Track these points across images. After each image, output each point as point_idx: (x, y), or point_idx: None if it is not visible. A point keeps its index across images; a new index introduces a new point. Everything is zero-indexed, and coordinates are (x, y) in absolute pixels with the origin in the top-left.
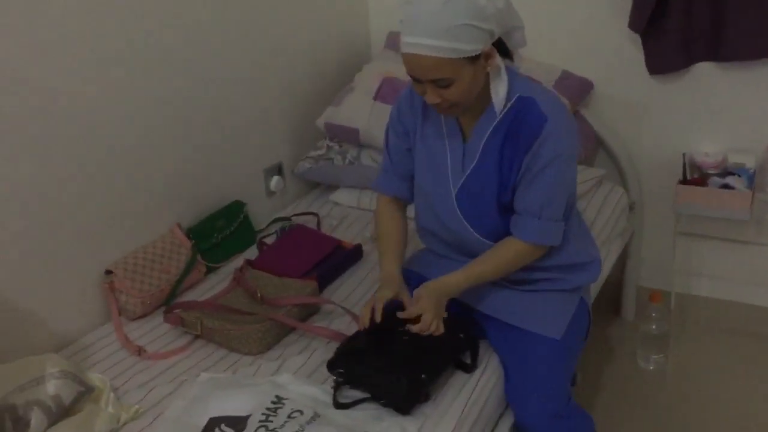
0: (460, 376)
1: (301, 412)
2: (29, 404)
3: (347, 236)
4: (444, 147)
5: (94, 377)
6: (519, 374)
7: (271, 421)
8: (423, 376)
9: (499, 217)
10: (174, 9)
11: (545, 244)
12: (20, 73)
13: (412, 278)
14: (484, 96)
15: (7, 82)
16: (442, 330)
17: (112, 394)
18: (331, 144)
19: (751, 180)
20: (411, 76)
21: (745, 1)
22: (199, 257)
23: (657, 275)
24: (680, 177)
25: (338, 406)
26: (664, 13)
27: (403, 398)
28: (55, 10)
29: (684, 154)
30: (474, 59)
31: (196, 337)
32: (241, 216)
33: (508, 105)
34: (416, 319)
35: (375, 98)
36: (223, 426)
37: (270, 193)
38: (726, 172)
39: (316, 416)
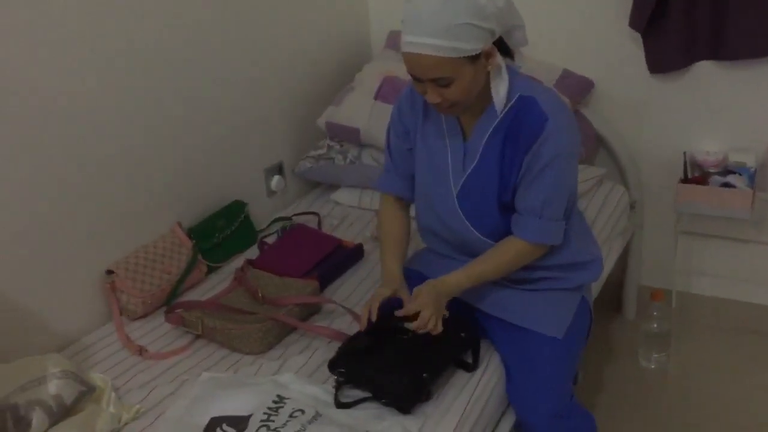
0: (461, 376)
1: (303, 412)
2: (31, 404)
3: (348, 236)
4: (444, 146)
5: (96, 377)
6: (521, 373)
7: (273, 421)
8: (424, 375)
9: (500, 216)
10: (174, 9)
11: (546, 244)
12: (20, 73)
13: (413, 277)
14: (485, 95)
15: (8, 82)
16: (440, 329)
17: (113, 394)
18: (331, 143)
19: (752, 179)
20: (411, 76)
21: (746, 0)
22: (200, 257)
23: (658, 274)
24: (681, 176)
25: (339, 405)
26: (664, 12)
27: (404, 397)
28: (55, 10)
29: (685, 153)
30: (474, 58)
31: (197, 336)
32: (242, 216)
33: (509, 104)
34: (415, 316)
35: (375, 98)
36: (224, 425)
37: (271, 193)
38: (727, 171)
39: (317, 415)
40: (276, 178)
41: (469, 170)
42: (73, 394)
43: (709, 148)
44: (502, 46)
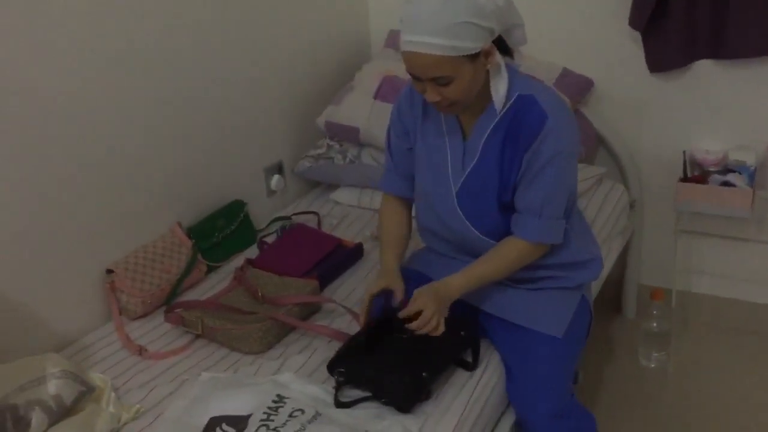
0: (461, 375)
1: (303, 411)
2: (30, 404)
3: (348, 235)
4: (444, 145)
5: (95, 377)
6: (521, 373)
7: (272, 420)
8: (424, 374)
9: (500, 215)
10: (174, 9)
11: (547, 243)
12: (20, 73)
13: (413, 277)
14: (485, 94)
15: (8, 82)
16: (442, 329)
17: (113, 394)
18: (331, 143)
19: (752, 177)
20: (411, 75)
21: None
22: (199, 256)
23: (658, 273)
24: (681, 175)
25: (339, 405)
26: (664, 11)
27: (404, 397)
28: (55, 11)
29: (684, 152)
30: (474, 57)
31: (197, 336)
32: (242, 215)
33: (509, 103)
34: (416, 317)
35: (375, 97)
36: (224, 425)
37: (270, 192)
38: (726, 170)
39: (317, 415)
40: (276, 177)
41: (469, 169)
42: (72, 394)
43: (708, 147)
44: (502, 45)
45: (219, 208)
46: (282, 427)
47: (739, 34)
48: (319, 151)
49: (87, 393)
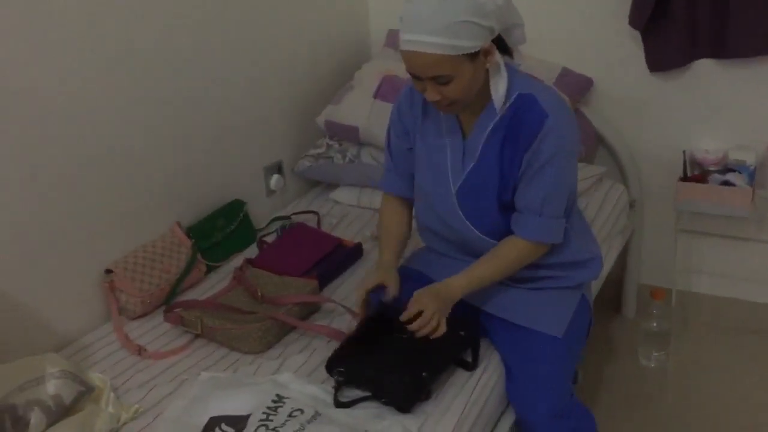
0: (461, 375)
1: (302, 411)
2: (29, 404)
3: (347, 235)
4: (444, 145)
5: (95, 377)
6: (520, 372)
7: (272, 420)
8: (424, 374)
9: (500, 215)
10: (174, 9)
11: (547, 242)
12: (20, 73)
13: (413, 277)
14: (484, 93)
15: (8, 82)
16: (443, 330)
17: (112, 394)
18: (331, 142)
19: (752, 177)
20: (411, 74)
21: None
22: (199, 256)
23: (658, 272)
24: (681, 174)
25: (339, 404)
26: (664, 11)
27: (403, 397)
28: (55, 11)
29: (684, 152)
30: (473, 56)
31: (197, 336)
32: (241, 215)
33: (508, 102)
34: (416, 317)
35: (375, 96)
36: (223, 425)
37: (270, 192)
38: (726, 169)
39: (316, 415)
40: (275, 177)
41: (469, 168)
42: (71, 394)
43: (708, 147)
44: (501, 44)
45: (219, 207)
46: (281, 427)
47: (739, 34)
48: (319, 150)
49: (86, 393)
